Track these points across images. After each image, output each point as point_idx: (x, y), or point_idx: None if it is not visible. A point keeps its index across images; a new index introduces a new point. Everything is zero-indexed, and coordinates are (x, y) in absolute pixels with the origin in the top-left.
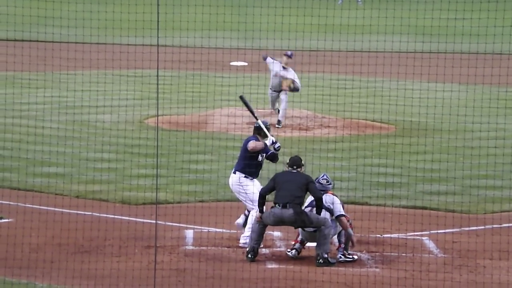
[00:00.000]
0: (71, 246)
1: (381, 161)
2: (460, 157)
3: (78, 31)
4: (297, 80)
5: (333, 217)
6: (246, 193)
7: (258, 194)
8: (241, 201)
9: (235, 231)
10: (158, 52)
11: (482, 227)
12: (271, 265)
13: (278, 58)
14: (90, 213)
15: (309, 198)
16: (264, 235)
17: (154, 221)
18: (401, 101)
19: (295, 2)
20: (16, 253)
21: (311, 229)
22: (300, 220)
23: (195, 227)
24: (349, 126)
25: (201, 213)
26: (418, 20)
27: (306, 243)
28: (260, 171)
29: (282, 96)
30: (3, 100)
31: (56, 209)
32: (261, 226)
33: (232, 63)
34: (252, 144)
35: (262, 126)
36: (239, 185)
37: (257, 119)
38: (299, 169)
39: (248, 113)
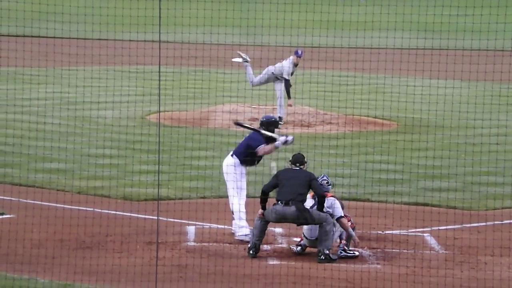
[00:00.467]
0: (73, 242)
1: (382, 158)
2: (461, 153)
3: (80, 27)
4: (285, 75)
5: (334, 220)
6: (234, 180)
7: (245, 183)
8: (226, 185)
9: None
10: (160, 48)
11: (484, 224)
12: (273, 262)
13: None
14: (92, 209)
15: (309, 202)
16: (266, 231)
17: (156, 217)
18: (403, 97)
19: None
20: (18, 248)
21: (314, 238)
22: (302, 217)
23: (197, 223)
24: (351, 123)
25: (203, 209)
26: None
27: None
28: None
29: (277, 88)
30: (5, 95)
31: (58, 205)
32: (263, 222)
33: (233, 60)
34: (261, 151)
35: (269, 134)
36: (231, 167)
37: (261, 132)
38: (302, 167)
39: (249, 108)
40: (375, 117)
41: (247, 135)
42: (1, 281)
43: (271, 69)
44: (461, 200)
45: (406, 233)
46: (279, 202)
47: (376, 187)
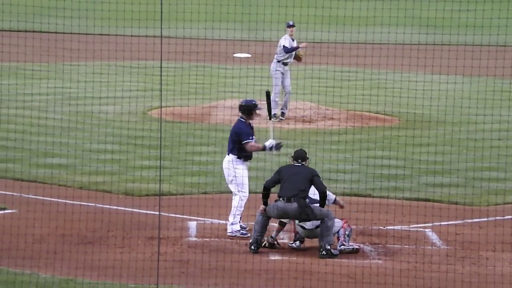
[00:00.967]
0: (75, 237)
1: (384, 153)
2: (463, 149)
3: (82, 22)
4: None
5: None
6: (235, 176)
7: (246, 179)
8: (228, 184)
9: (241, 223)
10: (161, 43)
11: (485, 219)
12: (274, 257)
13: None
14: (94, 204)
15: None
16: (268, 227)
17: (158, 213)
18: (405, 93)
19: None
20: (20, 244)
21: (312, 227)
22: (304, 214)
23: (198, 218)
24: (352, 118)
25: (205, 204)
26: (422, 12)
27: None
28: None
29: (287, 82)
30: (7, 91)
31: (60, 200)
32: (265, 218)
33: (235, 55)
34: (249, 148)
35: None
36: (230, 167)
37: (270, 118)
38: (303, 163)
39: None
40: (377, 113)
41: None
42: (3, 276)
43: (273, 66)
44: (462, 195)
45: (408, 229)
46: (281, 199)
47: (377, 183)
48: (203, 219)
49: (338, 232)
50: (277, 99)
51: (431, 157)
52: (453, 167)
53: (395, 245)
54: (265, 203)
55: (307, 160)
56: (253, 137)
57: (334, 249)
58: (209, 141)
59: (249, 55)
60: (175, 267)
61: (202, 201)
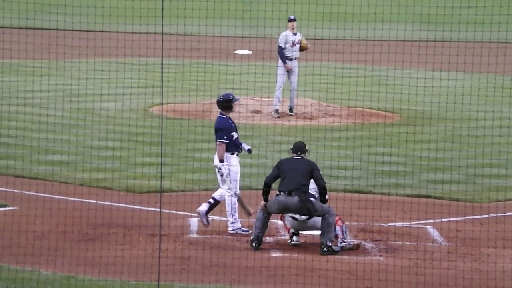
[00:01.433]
0: (76, 234)
1: (385, 150)
2: (464, 145)
3: (83, 19)
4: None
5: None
6: (229, 173)
7: (238, 176)
8: (219, 182)
9: (239, 219)
10: (162, 40)
11: (486, 216)
12: (275, 254)
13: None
14: (95, 201)
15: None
16: (269, 223)
17: (159, 209)
18: (406, 89)
19: None
20: (21, 240)
21: (303, 218)
22: (305, 208)
23: None
24: (353, 115)
25: (206, 201)
26: (423, 8)
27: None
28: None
29: (293, 78)
30: (7, 88)
31: (61, 197)
32: (265, 214)
33: (236, 52)
34: (218, 149)
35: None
36: (223, 164)
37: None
38: (303, 155)
39: (252, 101)
40: (378, 109)
41: (217, 116)
42: (4, 273)
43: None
44: (464, 192)
45: (409, 225)
46: (281, 193)
47: (379, 179)
48: None
49: (335, 229)
50: (279, 95)
51: (432, 154)
52: (454, 163)
53: (396, 242)
54: (266, 199)
55: (307, 152)
56: (236, 133)
57: (335, 245)
58: (210, 138)
59: (250, 52)
60: (176, 264)
61: (203, 198)
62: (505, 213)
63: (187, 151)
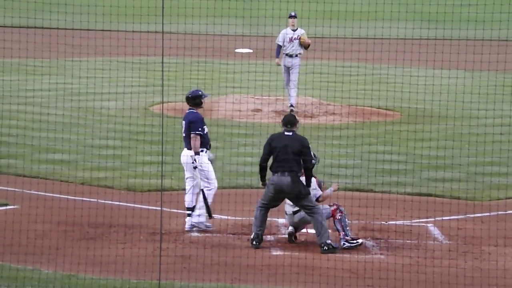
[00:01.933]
0: (76, 232)
1: (386, 148)
2: (465, 144)
3: (84, 18)
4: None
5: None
6: (203, 170)
7: (213, 172)
8: (188, 177)
9: (240, 218)
10: (163, 39)
11: (487, 214)
12: (276, 252)
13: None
14: (95, 200)
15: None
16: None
17: (159, 208)
18: (406, 88)
19: None
20: (22, 239)
21: (290, 212)
22: (296, 189)
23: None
24: (354, 113)
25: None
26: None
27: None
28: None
29: (294, 76)
30: (8, 87)
31: (61, 195)
32: (263, 212)
33: (237, 50)
34: (193, 142)
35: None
36: (189, 157)
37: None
38: (294, 129)
39: (252, 100)
40: (379, 108)
41: (186, 112)
42: (5, 272)
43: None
44: (464, 190)
45: (410, 224)
46: (274, 174)
47: (379, 178)
48: (205, 214)
49: (335, 222)
50: (287, 91)
51: (433, 152)
52: (455, 162)
53: (397, 240)
54: (263, 178)
55: (297, 124)
56: (205, 127)
57: (335, 242)
58: (210, 137)
59: (251, 51)
60: (177, 262)
61: None
62: (506, 211)
63: None
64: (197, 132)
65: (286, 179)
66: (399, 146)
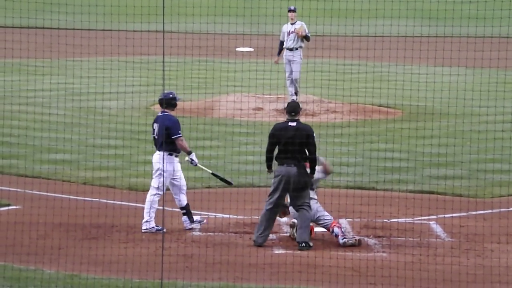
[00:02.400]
0: (79, 232)
1: (388, 146)
2: (467, 141)
3: (84, 18)
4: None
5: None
6: (180, 178)
7: (183, 180)
8: (155, 177)
9: (242, 217)
10: (163, 38)
11: (490, 211)
12: (278, 251)
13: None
14: (98, 199)
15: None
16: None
17: (162, 207)
18: (408, 85)
19: None
20: (24, 239)
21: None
22: (302, 180)
23: (202, 213)
24: (355, 111)
25: (208, 198)
26: (424, 4)
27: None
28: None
29: (295, 67)
30: (10, 87)
31: (64, 195)
32: (268, 215)
33: (237, 49)
34: (180, 145)
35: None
36: (159, 163)
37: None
38: (297, 117)
39: (253, 99)
40: (380, 105)
41: (159, 115)
42: (8, 272)
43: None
44: (466, 187)
45: (412, 221)
46: (280, 166)
47: (381, 176)
48: (206, 213)
49: (333, 232)
50: (288, 86)
51: (434, 150)
52: (456, 159)
53: (399, 238)
54: (269, 167)
55: (300, 111)
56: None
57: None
58: (212, 136)
59: (252, 49)
60: (179, 261)
61: (206, 196)
62: (508, 208)
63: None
64: (179, 136)
65: (293, 169)
66: (400, 143)
